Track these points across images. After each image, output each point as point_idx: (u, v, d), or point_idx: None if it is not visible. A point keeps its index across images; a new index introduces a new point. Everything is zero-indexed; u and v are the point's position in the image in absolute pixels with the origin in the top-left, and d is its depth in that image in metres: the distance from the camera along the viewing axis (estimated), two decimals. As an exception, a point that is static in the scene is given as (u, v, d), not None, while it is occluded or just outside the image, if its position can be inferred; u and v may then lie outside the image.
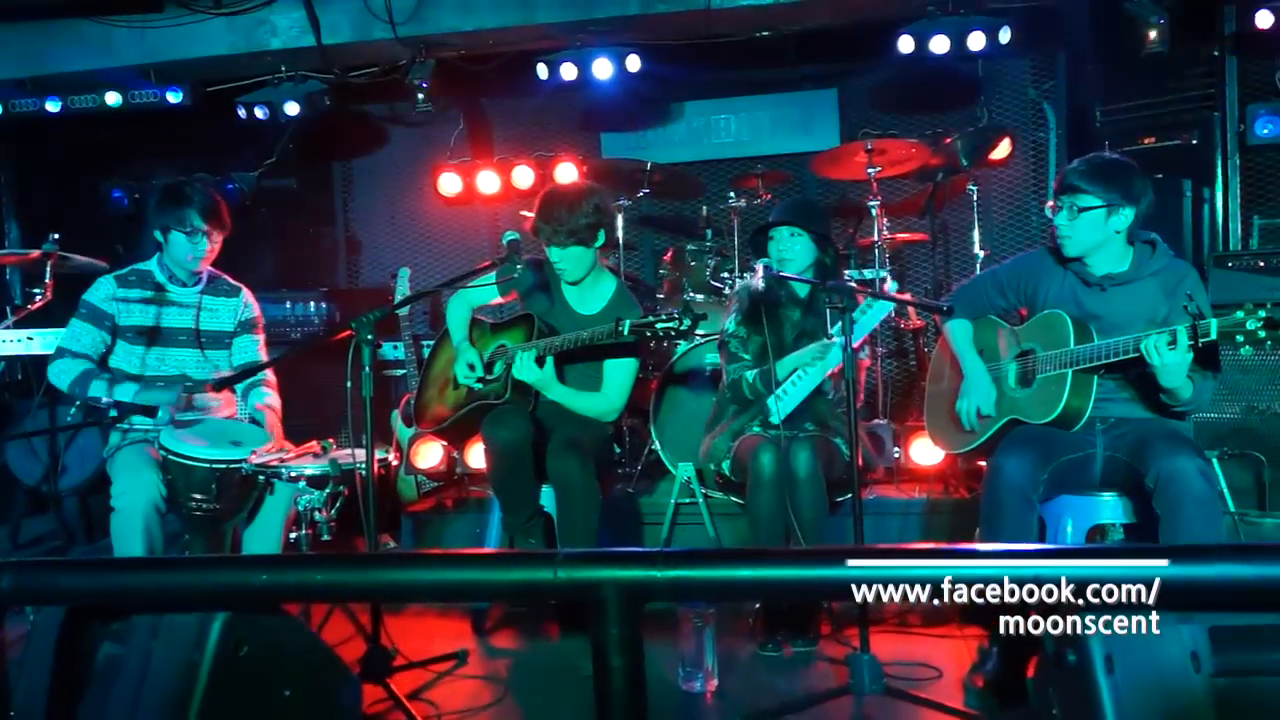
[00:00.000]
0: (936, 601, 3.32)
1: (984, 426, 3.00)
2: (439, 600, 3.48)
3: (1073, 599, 1.91)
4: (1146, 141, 4.93)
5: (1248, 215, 4.93)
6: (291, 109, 5.34)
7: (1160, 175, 4.86)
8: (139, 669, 1.99)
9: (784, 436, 3.15)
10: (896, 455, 4.26)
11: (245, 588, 1.66)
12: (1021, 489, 2.69)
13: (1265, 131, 4.73)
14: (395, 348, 5.21)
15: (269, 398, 3.53)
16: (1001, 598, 2.81)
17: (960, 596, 3.50)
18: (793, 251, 3.34)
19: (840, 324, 2.86)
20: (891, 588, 1.60)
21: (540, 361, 3.22)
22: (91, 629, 2.04)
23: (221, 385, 3.21)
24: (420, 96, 5.24)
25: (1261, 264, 4.45)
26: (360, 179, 6.68)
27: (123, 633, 2.05)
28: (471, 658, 3.15)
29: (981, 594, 2.98)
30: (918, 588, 1.59)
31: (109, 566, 1.84)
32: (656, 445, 4.23)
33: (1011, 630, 2.73)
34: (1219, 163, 4.86)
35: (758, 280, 3.21)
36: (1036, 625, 2.34)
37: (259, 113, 5.39)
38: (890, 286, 3.25)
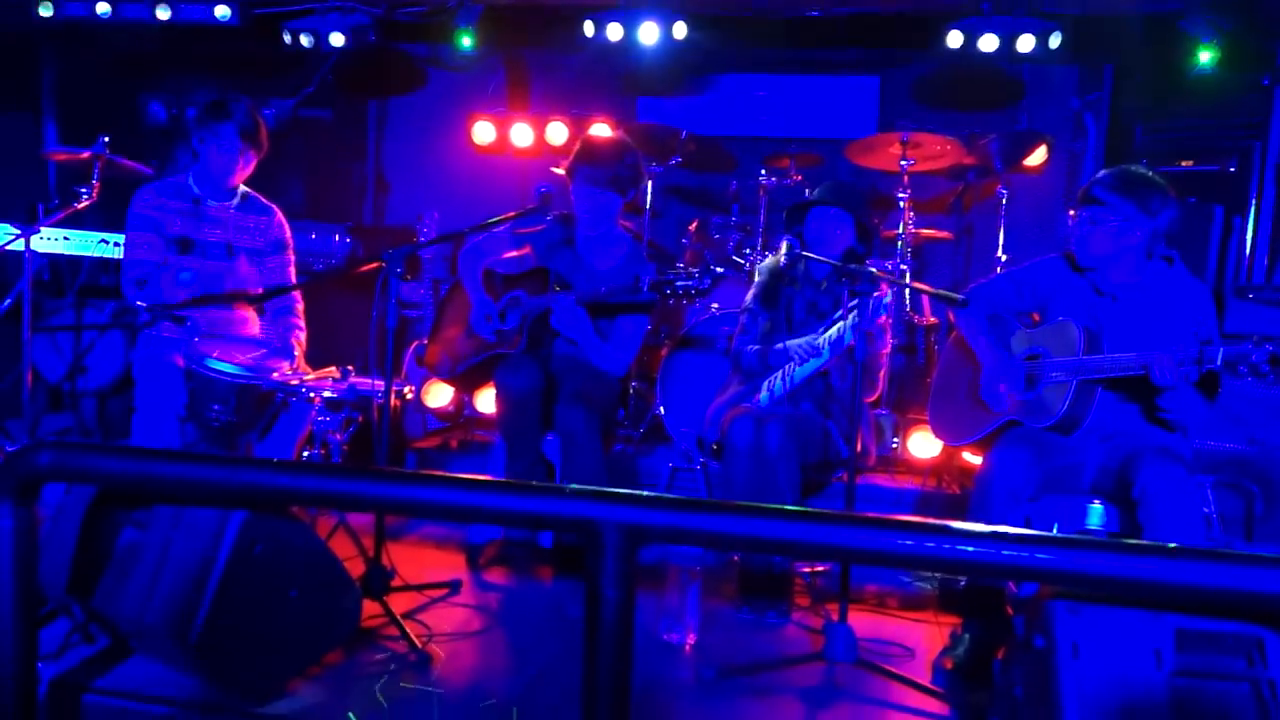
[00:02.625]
0: (920, 584, 3.40)
1: (1004, 411, 3.04)
2: (446, 518, 3.56)
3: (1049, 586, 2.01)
4: (1184, 164, 4.96)
5: (1276, 248, 4.95)
6: (336, 40, 5.37)
7: (1193, 199, 4.90)
8: (158, 557, 2.10)
9: (765, 412, 3.23)
10: (895, 445, 4.34)
11: (266, 488, 1.75)
12: (1012, 486, 2.76)
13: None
14: (414, 289, 5.29)
15: (297, 331, 3.62)
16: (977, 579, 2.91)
17: (938, 575, 3.59)
18: (833, 234, 3.37)
19: (851, 311, 2.91)
20: (877, 554, 1.66)
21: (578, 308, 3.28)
22: (115, 513, 2.15)
23: (253, 301, 3.30)
24: (466, 43, 5.27)
25: (1282, 299, 4.49)
26: (395, 119, 6.72)
27: (145, 521, 2.16)
28: (464, 588, 3.25)
29: (958, 571, 3.07)
30: (902, 558, 1.64)
31: (140, 454, 1.93)
32: (661, 410, 4.32)
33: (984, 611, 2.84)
34: (1254, 192, 4.87)
35: (780, 256, 3.27)
36: (1010, 610, 2.44)
37: (304, 40, 5.42)
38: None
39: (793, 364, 3.30)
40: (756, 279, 3.58)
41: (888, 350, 3.50)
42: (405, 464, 4.37)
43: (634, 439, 4.41)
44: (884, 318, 3.15)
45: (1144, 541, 2.36)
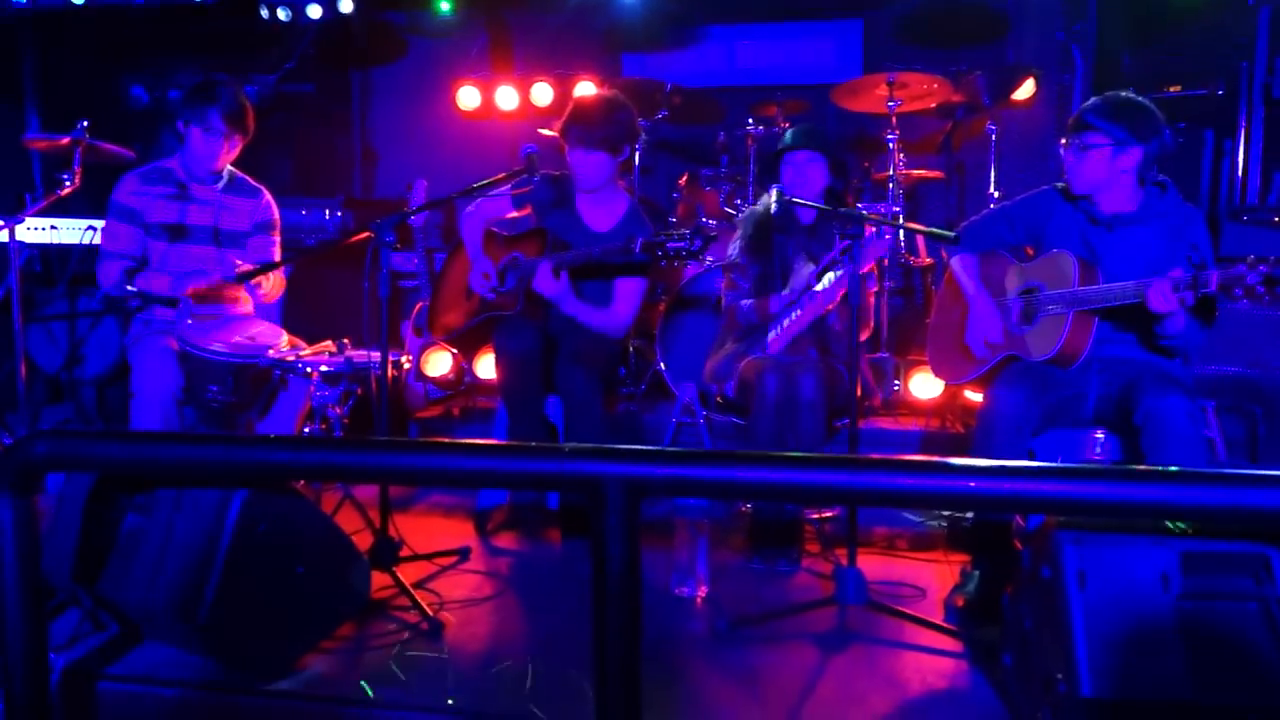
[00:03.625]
0: (928, 524, 3.39)
1: (986, 359, 3.06)
2: (445, 484, 3.58)
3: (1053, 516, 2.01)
4: (1172, 89, 4.91)
5: (1269, 170, 4.91)
6: (314, 12, 5.33)
7: (1183, 124, 4.86)
8: (161, 540, 2.10)
9: (789, 361, 3.23)
10: (896, 387, 4.33)
11: (266, 464, 1.74)
12: (1014, 421, 2.76)
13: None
14: (407, 259, 5.26)
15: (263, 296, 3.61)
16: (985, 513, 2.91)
17: (946, 514, 3.60)
18: (808, 176, 3.38)
19: (844, 252, 2.91)
20: (879, 495, 1.66)
21: (556, 274, 3.28)
22: (117, 499, 2.15)
23: (239, 280, 3.28)
24: (445, 7, 5.21)
25: (1277, 219, 4.45)
26: (379, 89, 6.66)
27: (147, 506, 2.16)
28: (474, 555, 3.26)
29: (963, 507, 3.08)
30: (905, 497, 1.64)
31: (138, 438, 1.93)
32: (661, 366, 4.31)
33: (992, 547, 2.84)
34: (1243, 114, 4.83)
35: (770, 203, 3.23)
36: (1018, 545, 2.44)
37: (281, 14, 5.38)
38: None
39: (797, 310, 3.29)
40: (739, 231, 3.56)
41: (875, 289, 3.50)
42: (408, 434, 4.38)
43: (636, 396, 4.41)
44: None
45: (1145, 467, 2.37)
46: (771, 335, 3.34)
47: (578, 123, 3.38)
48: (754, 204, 4.48)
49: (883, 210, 4.62)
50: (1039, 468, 1.52)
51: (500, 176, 3.24)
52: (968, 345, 3.11)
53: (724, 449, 3.76)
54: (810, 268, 3.34)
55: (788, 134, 3.52)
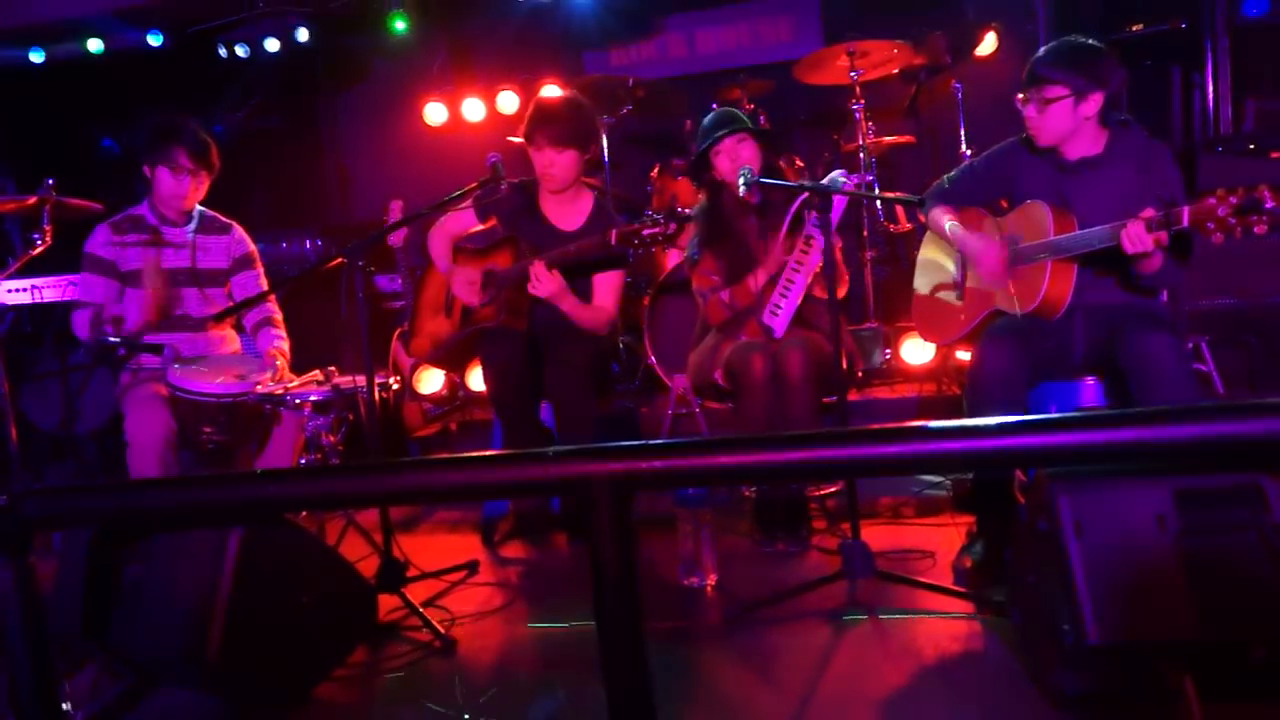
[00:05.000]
0: (932, 489, 3.39)
1: (973, 313, 3.04)
2: (437, 500, 3.60)
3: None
4: (1135, 28, 4.90)
5: (1239, 99, 4.89)
6: (272, 45, 5.34)
7: (1149, 62, 4.85)
8: (164, 586, 2.11)
9: (774, 340, 3.22)
10: (887, 356, 4.34)
11: (255, 500, 1.75)
12: (1003, 377, 2.76)
13: (1255, 10, 4.68)
14: (391, 280, 5.27)
15: (278, 341, 3.59)
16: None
17: (949, 477, 3.59)
18: (742, 158, 3.33)
19: (816, 226, 2.90)
20: (868, 465, 1.66)
21: (550, 269, 3.26)
22: (116, 550, 2.15)
23: (220, 319, 3.28)
24: (400, 26, 5.22)
25: (1251, 147, 4.44)
26: (346, 113, 6.68)
27: (147, 553, 2.17)
28: (483, 567, 3.27)
29: (954, 470, 3.07)
30: (890, 464, 1.64)
31: (128, 487, 1.93)
32: (652, 359, 4.32)
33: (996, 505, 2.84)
34: (1208, 46, 4.82)
35: (740, 190, 3.20)
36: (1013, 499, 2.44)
37: (240, 51, 5.40)
38: (838, 181, 3.21)
39: (790, 292, 3.27)
40: (693, 229, 3.53)
41: (841, 244, 3.46)
42: (409, 454, 4.39)
43: (631, 392, 4.42)
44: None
45: (1130, 409, 2.37)
46: (775, 320, 3.30)
47: (545, 123, 3.37)
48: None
49: (857, 181, 4.61)
50: (1015, 422, 1.51)
51: (470, 187, 3.24)
52: (945, 305, 3.08)
53: (728, 436, 3.77)
54: (772, 245, 3.32)
55: (706, 123, 3.47)
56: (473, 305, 3.49)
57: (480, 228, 3.65)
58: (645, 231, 3.02)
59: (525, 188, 3.55)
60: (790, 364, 3.15)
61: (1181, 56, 4.83)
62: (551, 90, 5.39)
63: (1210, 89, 4.85)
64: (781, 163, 3.45)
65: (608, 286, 3.49)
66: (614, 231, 3.10)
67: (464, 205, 3.45)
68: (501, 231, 3.59)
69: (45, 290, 4.38)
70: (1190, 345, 4.03)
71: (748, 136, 3.37)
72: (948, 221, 3.11)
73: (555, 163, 3.38)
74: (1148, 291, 2.85)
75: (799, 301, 3.29)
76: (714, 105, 4.92)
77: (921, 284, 3.36)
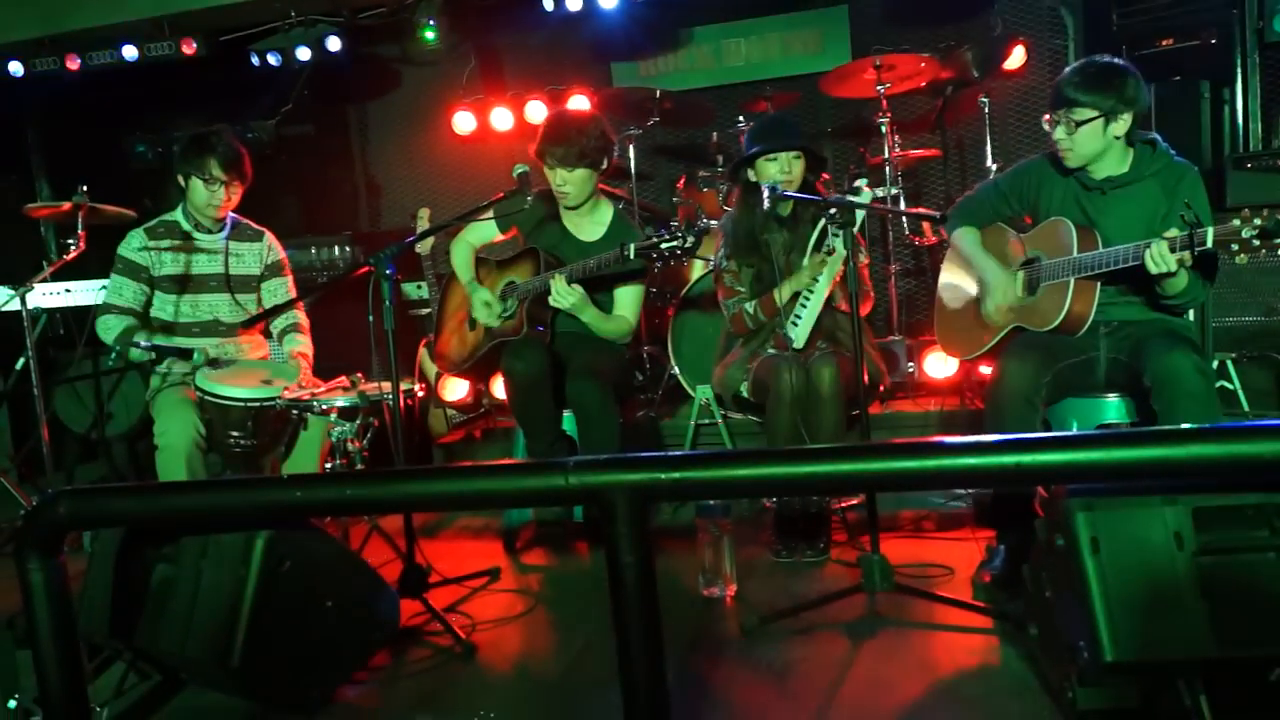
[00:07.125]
0: (954, 503, 3.38)
1: (994, 329, 3.04)
2: (458, 508, 3.63)
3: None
4: (1164, 43, 4.87)
5: (1269, 114, 4.86)
6: (304, 54, 5.41)
7: (1178, 78, 4.81)
8: (191, 588, 2.15)
9: (801, 354, 3.24)
10: (910, 370, 4.33)
11: (284, 504, 1.79)
12: (1024, 393, 2.76)
13: (1286, 27, 4.64)
14: (419, 287, 5.32)
15: (302, 345, 3.65)
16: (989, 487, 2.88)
17: (970, 492, 3.57)
18: (794, 172, 3.35)
19: (836, 239, 2.91)
20: (884, 479, 1.67)
21: (570, 284, 3.30)
22: (145, 551, 2.20)
23: (250, 325, 3.34)
24: (430, 36, 5.27)
25: (1280, 163, 4.40)
26: (376, 122, 6.74)
27: (174, 555, 2.21)
28: (504, 574, 3.30)
29: (972, 484, 3.07)
30: (908, 478, 1.65)
31: (157, 490, 1.98)
32: (675, 370, 4.34)
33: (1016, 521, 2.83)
34: (1238, 61, 4.78)
35: (764, 203, 3.21)
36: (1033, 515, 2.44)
37: (272, 60, 5.47)
38: (864, 195, 3.22)
39: (810, 302, 3.28)
40: (721, 237, 3.56)
41: (866, 261, 3.48)
42: (432, 460, 4.43)
43: (654, 402, 4.44)
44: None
45: (1152, 428, 2.36)
46: (795, 332, 3.31)
47: (556, 144, 3.39)
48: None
49: (883, 194, 4.61)
50: (1034, 439, 1.53)
51: (497, 197, 3.28)
52: (983, 316, 3.08)
53: (743, 449, 3.78)
54: (798, 256, 3.34)
55: (760, 126, 3.48)
56: (490, 328, 3.53)
57: (502, 238, 3.69)
58: (664, 244, 3.05)
59: (548, 198, 3.58)
60: (822, 378, 3.16)
61: (1211, 72, 4.80)
62: (581, 102, 5.44)
63: (1240, 104, 4.81)
64: (809, 175, 3.46)
65: (628, 298, 3.52)
66: (632, 245, 3.14)
67: (489, 216, 3.50)
68: (523, 242, 3.63)
69: (79, 294, 4.45)
70: (1216, 363, 4.01)
71: (803, 155, 3.38)
72: (969, 242, 3.13)
73: (568, 181, 3.43)
74: (1172, 309, 2.84)
75: (819, 313, 3.30)
76: (739, 117, 4.94)
77: (945, 298, 3.37)
